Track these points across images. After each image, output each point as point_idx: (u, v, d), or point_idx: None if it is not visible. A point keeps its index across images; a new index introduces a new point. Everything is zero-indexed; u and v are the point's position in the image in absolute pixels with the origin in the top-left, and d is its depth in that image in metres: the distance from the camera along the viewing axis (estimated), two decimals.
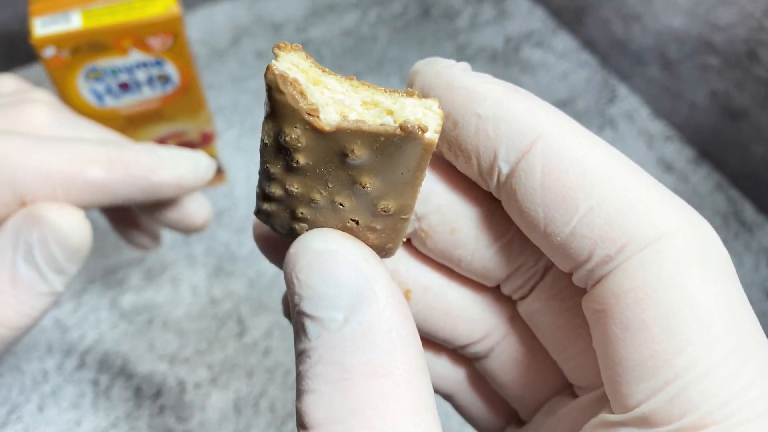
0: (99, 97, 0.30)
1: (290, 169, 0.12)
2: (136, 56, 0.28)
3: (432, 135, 0.11)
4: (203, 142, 0.34)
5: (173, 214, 0.23)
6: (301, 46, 0.12)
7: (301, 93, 0.11)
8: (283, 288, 0.35)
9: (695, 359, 0.10)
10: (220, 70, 0.45)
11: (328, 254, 0.11)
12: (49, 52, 0.26)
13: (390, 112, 0.11)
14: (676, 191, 0.40)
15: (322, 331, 0.11)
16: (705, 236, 0.11)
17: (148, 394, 0.31)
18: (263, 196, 0.13)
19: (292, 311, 0.12)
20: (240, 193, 0.38)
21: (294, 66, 0.11)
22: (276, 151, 0.12)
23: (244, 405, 0.31)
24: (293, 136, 0.11)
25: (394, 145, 0.11)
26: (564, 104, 0.44)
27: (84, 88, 0.29)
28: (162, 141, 0.33)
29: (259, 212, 0.13)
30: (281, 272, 0.36)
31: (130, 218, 0.27)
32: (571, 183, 0.11)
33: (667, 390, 0.10)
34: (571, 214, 0.11)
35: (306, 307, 0.11)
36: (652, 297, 0.10)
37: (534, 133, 0.11)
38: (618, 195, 0.11)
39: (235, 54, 0.46)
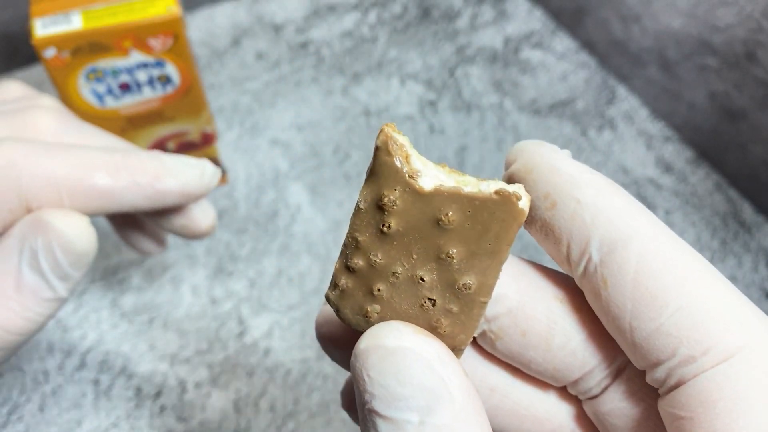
0: (99, 97, 0.30)
1: (379, 235, 0.12)
2: (136, 57, 0.28)
3: (525, 204, 0.12)
4: (204, 142, 0.34)
5: (178, 220, 0.24)
6: (401, 132, 0.13)
7: (406, 157, 0.12)
8: (285, 289, 0.35)
9: None
10: (220, 70, 0.45)
11: (402, 352, 0.11)
12: (50, 53, 0.26)
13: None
14: (676, 192, 0.40)
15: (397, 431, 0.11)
16: None
17: (148, 393, 0.31)
18: (344, 268, 0.13)
19: (360, 408, 0.11)
20: (240, 194, 0.38)
21: (393, 141, 0.12)
22: (369, 216, 0.12)
23: (244, 405, 0.31)
24: (391, 197, 0.12)
25: (487, 211, 0.12)
26: (563, 105, 0.44)
27: (85, 89, 0.29)
28: (163, 141, 0.33)
29: (331, 293, 0.14)
30: (281, 272, 0.36)
31: (135, 223, 0.27)
32: (663, 282, 0.11)
33: None
34: (660, 311, 0.11)
35: (379, 406, 0.11)
36: (742, 408, 0.10)
37: (631, 229, 0.12)
38: (706, 299, 0.11)
39: (235, 55, 0.46)
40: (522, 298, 0.14)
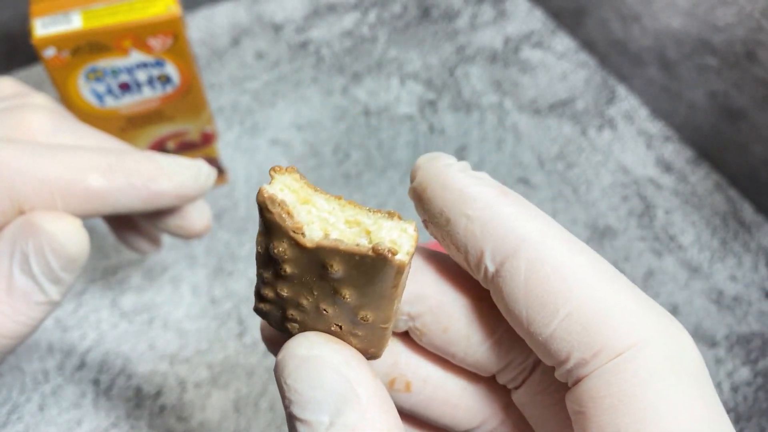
0: (99, 97, 0.30)
1: (279, 276, 0.13)
2: (136, 57, 0.28)
3: (403, 257, 0.12)
4: (204, 142, 0.34)
5: (173, 221, 0.23)
6: (295, 168, 0.13)
7: (288, 213, 0.12)
8: None
9: None
10: (220, 70, 0.45)
11: (313, 360, 0.12)
12: (49, 52, 0.26)
13: (368, 233, 0.13)
14: (676, 191, 0.40)
15: None
16: (679, 345, 0.11)
17: (148, 393, 0.31)
18: (258, 296, 0.14)
19: (285, 412, 0.13)
20: (240, 194, 0.38)
21: (286, 187, 0.13)
22: (267, 260, 0.13)
23: (244, 404, 0.31)
24: (280, 249, 0.13)
25: (368, 264, 0.12)
26: (563, 104, 0.44)
27: (84, 89, 0.29)
28: (163, 141, 0.33)
29: (256, 309, 0.15)
30: None
31: (130, 223, 0.27)
32: (551, 288, 0.12)
33: None
34: (551, 318, 0.12)
35: (295, 410, 0.12)
36: (625, 404, 0.11)
37: (519, 239, 0.12)
38: (595, 302, 0.12)
39: (235, 54, 0.46)
40: (443, 298, 0.14)
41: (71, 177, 0.18)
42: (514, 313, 0.12)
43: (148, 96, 0.30)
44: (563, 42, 0.48)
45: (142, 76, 0.29)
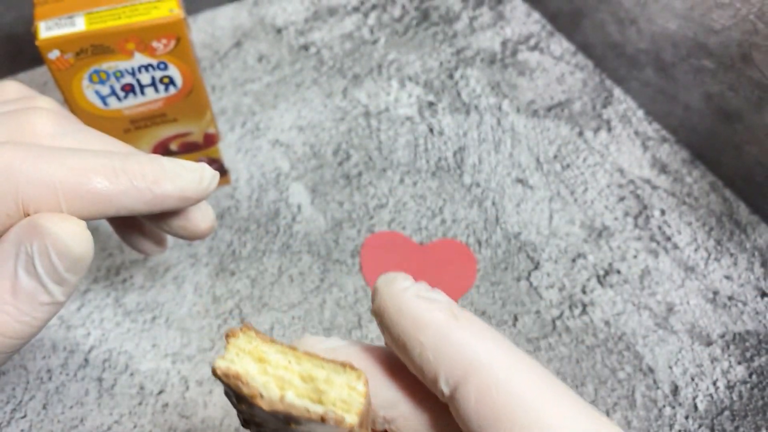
0: (103, 99, 0.30)
1: (252, 422, 0.15)
2: (140, 59, 0.28)
3: (352, 419, 0.13)
4: (207, 143, 0.35)
5: (177, 222, 0.24)
6: (250, 326, 0.15)
7: (246, 383, 0.14)
8: (285, 288, 0.35)
9: None
10: (222, 72, 0.45)
11: None
12: (54, 54, 0.27)
13: (320, 392, 0.14)
14: (672, 192, 0.40)
15: None
16: None
17: (151, 391, 0.31)
18: (242, 423, 0.16)
19: None
20: (242, 194, 0.39)
21: (241, 351, 0.14)
22: (239, 407, 0.15)
23: None
24: (244, 407, 0.14)
25: (320, 425, 0.13)
26: (561, 106, 0.45)
27: (88, 90, 0.29)
28: (166, 142, 0.33)
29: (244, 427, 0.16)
30: (282, 271, 0.36)
31: (134, 224, 0.27)
32: (499, 411, 0.13)
33: None
34: None
35: None
36: None
37: (468, 364, 0.13)
38: (543, 422, 0.12)
39: (237, 57, 0.46)
40: (412, 405, 0.15)
41: (76, 180, 0.19)
42: (467, 426, 0.13)
43: (152, 98, 0.31)
44: (561, 45, 0.49)
45: (145, 78, 0.29)
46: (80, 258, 0.19)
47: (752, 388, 0.33)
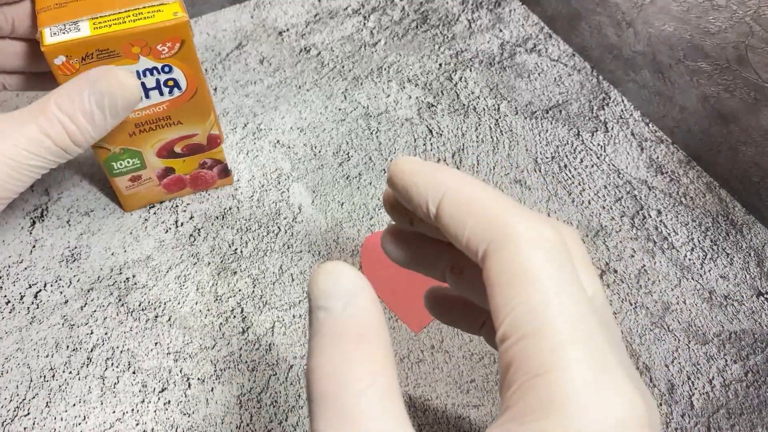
0: None
1: None
2: (145, 62, 0.29)
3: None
4: (210, 145, 0.35)
5: None
6: None
7: None
8: (286, 287, 0.35)
9: (515, 306, 0.17)
10: (224, 74, 0.46)
11: (334, 270, 0.17)
12: (59, 60, 0.27)
13: None
14: (668, 193, 0.41)
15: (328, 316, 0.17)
16: (550, 239, 0.17)
17: (153, 389, 0.32)
18: None
19: (310, 309, 0.17)
20: (244, 194, 0.39)
21: None
22: None
23: (247, 400, 0.32)
24: None
25: None
26: (558, 108, 0.45)
27: None
28: (170, 144, 0.34)
29: None
30: (283, 270, 0.37)
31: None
32: (464, 213, 0.18)
33: (507, 320, 0.17)
34: (464, 229, 0.18)
35: (319, 301, 0.17)
36: (507, 276, 0.17)
37: (444, 187, 0.19)
38: (489, 215, 0.17)
39: (238, 59, 0.47)
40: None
41: None
42: (448, 233, 0.18)
43: (157, 101, 0.31)
44: (558, 47, 0.49)
45: (150, 81, 0.30)
46: (134, 101, 0.27)
47: (748, 387, 0.33)
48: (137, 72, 0.29)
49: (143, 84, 0.30)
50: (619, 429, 0.15)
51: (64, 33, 0.27)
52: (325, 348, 0.16)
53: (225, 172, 0.38)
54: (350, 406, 0.15)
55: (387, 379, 0.16)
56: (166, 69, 0.29)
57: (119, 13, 0.28)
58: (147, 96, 0.30)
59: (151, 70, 0.29)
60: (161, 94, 0.31)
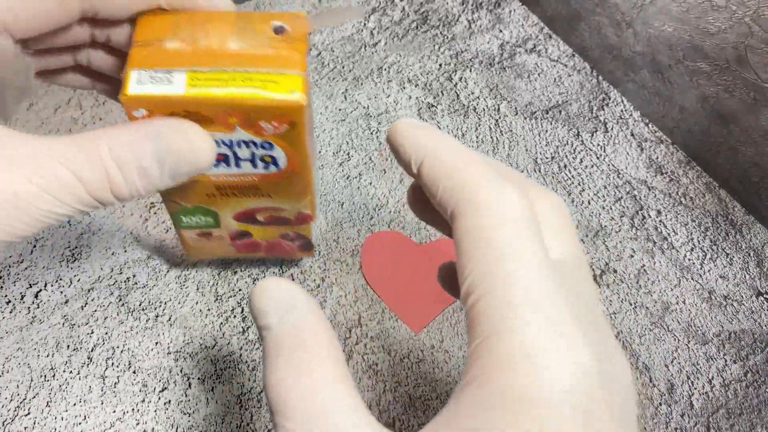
0: None
1: None
2: (241, 134, 0.23)
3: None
4: (299, 221, 0.30)
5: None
6: None
7: None
8: None
9: (473, 269, 0.17)
10: None
11: (266, 285, 0.18)
12: (139, 113, 0.22)
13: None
14: (668, 193, 0.41)
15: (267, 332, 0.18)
16: (505, 203, 0.18)
17: (154, 388, 0.32)
18: None
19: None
20: None
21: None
22: None
23: (247, 399, 0.32)
24: None
25: None
26: (558, 108, 0.45)
27: None
28: (252, 212, 0.29)
29: None
30: (284, 270, 0.37)
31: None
32: (439, 176, 0.19)
33: (467, 282, 0.17)
34: (437, 191, 0.19)
35: (258, 322, 0.18)
36: (473, 237, 0.18)
37: (423, 150, 0.19)
38: (460, 180, 0.18)
39: None
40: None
41: None
42: (427, 192, 0.19)
43: (247, 171, 0.25)
44: (558, 47, 0.49)
45: (243, 152, 0.24)
46: (201, 171, 0.22)
47: (747, 387, 0.33)
48: (229, 142, 0.23)
49: (234, 154, 0.24)
50: (565, 393, 0.15)
51: (152, 83, 0.21)
52: (271, 363, 0.17)
53: (307, 247, 0.33)
54: (304, 409, 0.16)
55: (334, 374, 0.17)
56: (266, 146, 0.23)
57: (225, 72, 0.21)
58: (237, 165, 0.25)
59: (247, 143, 0.23)
60: (254, 166, 0.25)
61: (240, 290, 0.35)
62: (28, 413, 0.31)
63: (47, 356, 0.32)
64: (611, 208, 0.40)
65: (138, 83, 0.21)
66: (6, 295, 0.34)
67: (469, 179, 0.18)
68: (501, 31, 0.50)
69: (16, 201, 0.19)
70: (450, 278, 0.24)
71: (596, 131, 0.44)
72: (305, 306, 0.18)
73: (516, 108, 0.45)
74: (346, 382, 0.17)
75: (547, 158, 0.42)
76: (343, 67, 0.47)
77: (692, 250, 0.38)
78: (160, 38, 0.22)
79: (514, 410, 0.15)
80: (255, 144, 0.23)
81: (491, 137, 0.43)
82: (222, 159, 0.24)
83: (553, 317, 0.16)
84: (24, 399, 0.31)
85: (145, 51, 0.22)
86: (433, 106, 0.45)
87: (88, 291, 0.35)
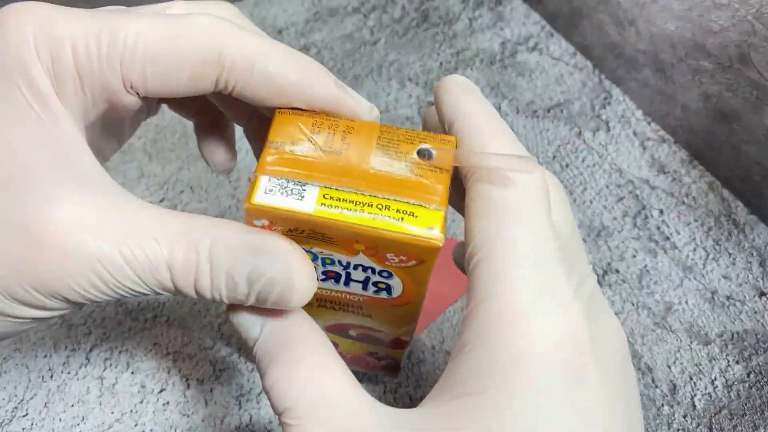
0: None
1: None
2: (362, 260, 0.21)
3: None
4: (393, 346, 0.27)
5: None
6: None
7: None
8: None
9: (477, 232, 0.18)
10: None
11: None
12: (261, 222, 0.20)
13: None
14: (670, 192, 0.41)
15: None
16: (516, 176, 0.18)
17: (152, 389, 0.31)
18: None
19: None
20: (244, 194, 0.39)
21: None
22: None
23: (246, 400, 0.31)
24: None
25: None
26: (560, 107, 0.45)
27: None
28: (346, 327, 0.26)
29: None
30: None
31: (218, 130, 0.27)
32: (461, 140, 0.20)
33: (471, 244, 0.18)
34: (458, 156, 0.19)
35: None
36: (477, 202, 0.18)
37: (455, 114, 0.20)
38: (477, 150, 0.19)
39: None
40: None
41: (265, 60, 0.19)
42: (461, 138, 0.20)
43: (355, 292, 0.23)
44: (560, 45, 0.49)
45: (358, 275, 0.22)
46: (289, 308, 0.19)
47: (750, 387, 0.33)
48: (346, 263, 0.21)
49: (347, 274, 0.22)
50: (555, 351, 0.16)
51: (282, 194, 0.19)
52: (266, 368, 0.18)
53: (393, 369, 0.30)
54: (306, 401, 0.17)
55: (327, 363, 0.18)
56: (385, 274, 0.21)
57: (362, 194, 0.19)
58: (346, 284, 0.22)
59: (365, 268, 0.21)
60: (364, 289, 0.22)
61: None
62: (26, 414, 0.31)
63: (45, 357, 0.32)
64: (613, 208, 0.40)
65: (266, 192, 0.19)
66: None
67: (489, 150, 0.19)
68: (502, 29, 0.50)
69: (98, 267, 0.17)
70: (462, 257, 0.23)
71: (598, 130, 0.44)
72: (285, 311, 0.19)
73: (517, 107, 0.45)
74: (341, 367, 0.18)
75: (548, 157, 0.42)
76: (343, 66, 0.46)
77: (695, 249, 0.38)
78: (296, 142, 0.20)
79: (505, 371, 0.16)
80: (373, 270, 0.21)
81: None
82: (332, 276, 0.22)
83: (547, 281, 0.17)
84: (22, 400, 0.31)
85: (279, 155, 0.20)
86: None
87: None
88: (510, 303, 0.16)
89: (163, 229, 0.17)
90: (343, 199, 0.19)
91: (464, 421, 0.16)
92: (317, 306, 0.24)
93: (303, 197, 0.19)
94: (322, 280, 0.22)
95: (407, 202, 0.19)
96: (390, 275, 0.21)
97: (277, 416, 0.18)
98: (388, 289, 0.22)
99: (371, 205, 0.19)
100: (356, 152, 0.20)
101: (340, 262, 0.21)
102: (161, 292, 0.18)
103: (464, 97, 0.20)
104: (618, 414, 0.17)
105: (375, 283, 0.22)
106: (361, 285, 0.22)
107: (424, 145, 0.20)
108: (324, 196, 0.19)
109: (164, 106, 0.26)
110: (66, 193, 0.17)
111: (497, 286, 0.16)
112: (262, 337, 0.19)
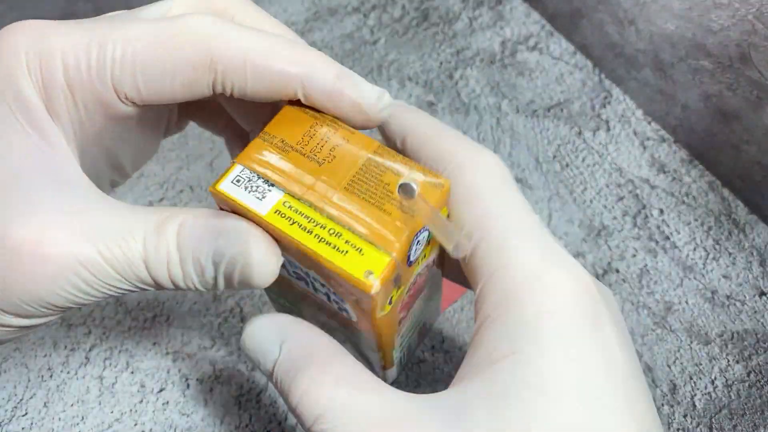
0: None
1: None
2: (315, 277, 0.20)
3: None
4: (381, 367, 0.26)
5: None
6: None
7: None
8: None
9: (465, 218, 0.20)
10: None
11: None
12: (222, 206, 0.20)
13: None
14: (670, 192, 0.41)
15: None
16: (491, 168, 0.20)
17: (152, 389, 0.31)
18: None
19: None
20: None
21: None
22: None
23: (246, 400, 0.31)
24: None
25: None
26: (559, 106, 0.45)
27: None
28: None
29: None
30: None
31: (249, 140, 0.26)
32: (418, 149, 0.22)
33: (463, 225, 0.19)
34: (419, 159, 0.22)
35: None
36: (462, 189, 0.20)
37: (404, 129, 0.22)
38: (439, 150, 0.21)
39: None
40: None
41: (263, 57, 0.19)
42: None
43: (323, 299, 0.22)
44: (560, 45, 0.49)
45: (318, 287, 0.20)
46: (256, 287, 0.19)
47: (750, 387, 0.33)
48: (305, 274, 0.20)
49: (312, 283, 0.21)
50: (573, 303, 0.17)
51: (246, 189, 0.19)
52: (290, 385, 0.18)
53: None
54: (339, 407, 0.17)
55: (354, 369, 0.18)
56: (338, 300, 0.20)
57: (319, 214, 0.18)
58: (314, 290, 0.21)
59: (322, 284, 0.20)
60: (329, 300, 0.21)
61: (238, 290, 0.35)
62: (26, 413, 0.31)
63: (44, 356, 0.32)
64: (613, 207, 0.40)
65: (234, 182, 0.19)
66: None
67: (449, 147, 0.20)
68: (502, 28, 0.50)
69: (79, 269, 0.17)
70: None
71: (598, 129, 0.44)
72: (296, 326, 0.19)
73: (517, 106, 0.45)
74: (366, 372, 0.18)
75: (548, 157, 0.42)
76: (343, 65, 0.46)
77: (695, 249, 0.38)
78: (286, 141, 0.19)
79: (533, 328, 0.16)
80: (329, 291, 0.20)
81: (492, 135, 0.43)
82: (302, 279, 0.21)
83: (545, 241, 0.18)
84: (21, 399, 0.31)
85: (263, 149, 0.19)
86: (433, 104, 0.44)
87: None
88: (521, 267, 0.17)
89: (137, 223, 0.18)
90: (301, 213, 0.18)
91: (503, 385, 0.16)
92: (303, 301, 0.24)
93: (264, 198, 0.18)
94: (296, 279, 0.21)
95: (360, 236, 0.17)
96: (342, 300, 0.20)
97: (306, 430, 0.17)
98: (347, 312, 0.20)
99: (324, 227, 0.18)
100: (337, 168, 0.19)
101: (298, 272, 0.20)
102: (143, 287, 0.19)
103: (406, 113, 0.22)
104: (631, 353, 0.18)
105: (335, 302, 0.20)
106: (325, 297, 0.21)
107: (410, 183, 0.18)
108: (283, 204, 0.18)
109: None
110: (45, 201, 0.17)
111: (503, 257, 0.18)
112: (283, 355, 0.19)
